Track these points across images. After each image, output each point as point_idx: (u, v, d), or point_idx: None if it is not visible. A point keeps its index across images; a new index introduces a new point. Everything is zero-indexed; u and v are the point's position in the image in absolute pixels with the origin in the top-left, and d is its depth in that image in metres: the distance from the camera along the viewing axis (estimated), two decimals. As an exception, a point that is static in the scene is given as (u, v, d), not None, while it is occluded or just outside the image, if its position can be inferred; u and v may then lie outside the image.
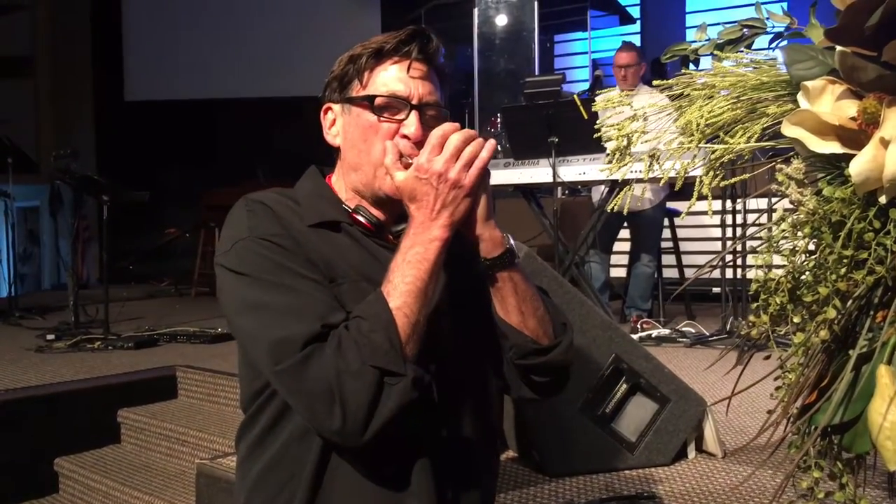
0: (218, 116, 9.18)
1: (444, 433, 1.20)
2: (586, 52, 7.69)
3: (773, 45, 1.11)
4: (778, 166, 0.74)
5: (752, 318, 0.78)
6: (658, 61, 7.31)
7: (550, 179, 4.02)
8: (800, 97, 0.77)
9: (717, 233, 5.96)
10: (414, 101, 1.19)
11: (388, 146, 1.17)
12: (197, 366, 3.60)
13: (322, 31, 9.31)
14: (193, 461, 2.97)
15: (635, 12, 8.30)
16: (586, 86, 6.95)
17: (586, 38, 7.51)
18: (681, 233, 5.22)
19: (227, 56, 9.41)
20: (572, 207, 5.58)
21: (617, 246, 5.21)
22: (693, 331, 4.30)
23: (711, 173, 0.79)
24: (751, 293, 0.77)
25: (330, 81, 1.27)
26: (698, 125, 0.80)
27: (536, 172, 4.14)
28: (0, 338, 4.77)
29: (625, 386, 2.11)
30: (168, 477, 2.95)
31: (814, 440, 0.79)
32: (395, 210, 1.23)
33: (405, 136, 1.18)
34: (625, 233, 5.02)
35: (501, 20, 6.86)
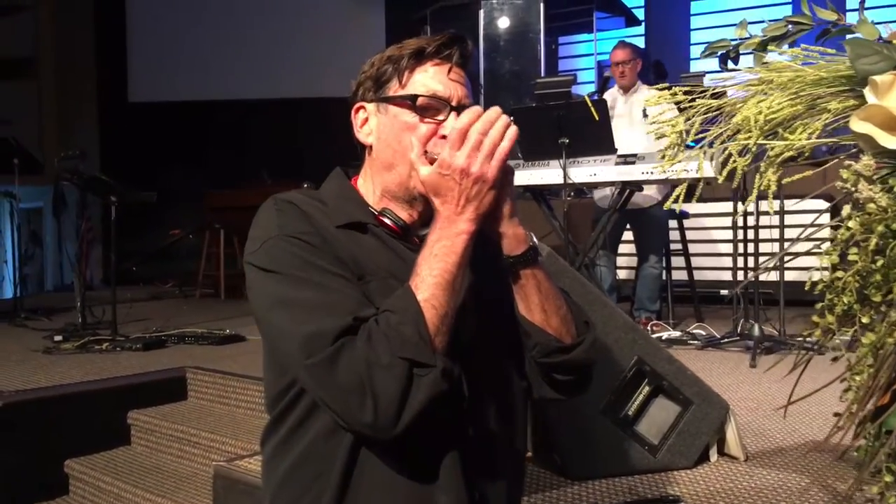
0: (221, 118, 9.16)
1: (471, 429, 1.20)
2: (591, 54, 7.69)
3: (820, 41, 1.10)
4: (846, 163, 0.72)
5: (815, 318, 0.76)
6: (660, 63, 7.30)
7: (560, 181, 4.00)
8: (867, 92, 0.75)
9: (723, 235, 5.98)
10: (453, 103, 1.20)
11: (413, 141, 1.17)
12: (207, 367, 3.59)
13: (326, 33, 9.31)
14: (206, 463, 2.96)
15: (640, 14, 8.29)
16: (591, 87, 6.95)
17: (591, 41, 7.51)
18: (689, 235, 5.20)
19: (230, 57, 9.41)
20: (577, 209, 5.57)
21: (623, 248, 5.20)
22: (703, 333, 4.29)
23: (771, 170, 0.77)
24: (816, 292, 0.75)
25: (363, 81, 1.27)
26: (756, 121, 0.78)
27: (547, 174, 4.13)
28: (7, 339, 4.75)
29: (647, 388, 2.10)
30: (180, 479, 2.93)
31: (890, 443, 0.77)
32: (423, 212, 1.24)
33: (444, 137, 1.18)
34: (629, 234, 5.01)
35: (507, 22, 6.86)
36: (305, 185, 7.22)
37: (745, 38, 1.20)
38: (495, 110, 1.10)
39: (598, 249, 4.24)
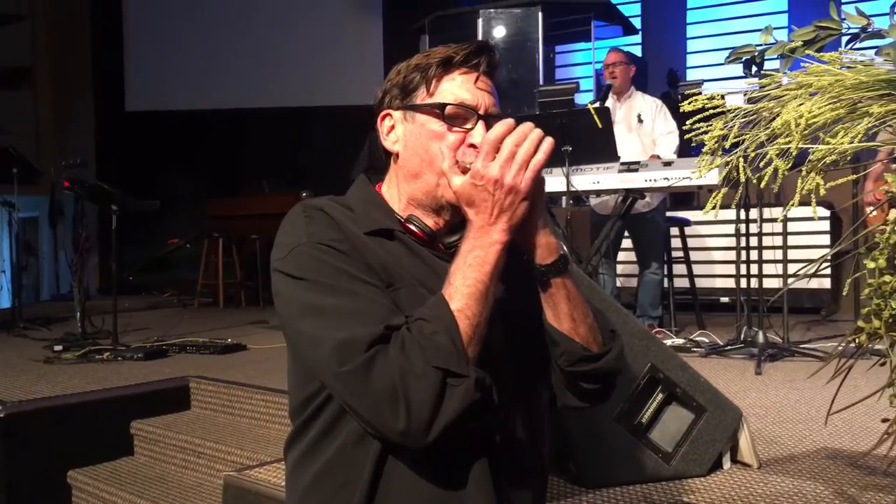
0: (218, 127, 9.16)
1: (499, 437, 1.19)
2: (588, 63, 7.71)
3: (849, 45, 1.10)
4: (893, 167, 0.72)
5: (861, 322, 0.75)
6: (673, 71, 7.32)
7: (563, 188, 4.00)
8: (913, 95, 0.75)
9: (722, 242, 5.99)
10: (481, 111, 1.20)
11: (444, 151, 1.17)
12: (210, 376, 3.57)
13: (324, 43, 9.33)
14: (211, 473, 2.94)
15: (637, 23, 8.33)
16: (590, 96, 6.97)
17: (589, 49, 7.53)
18: (693, 242, 5.21)
19: (228, 66, 9.41)
20: (576, 216, 5.58)
21: (623, 256, 5.21)
22: (707, 340, 4.29)
23: (813, 175, 0.77)
24: (862, 296, 0.75)
25: (389, 89, 1.26)
26: (797, 124, 0.77)
27: (549, 181, 4.12)
28: (6, 348, 4.72)
29: (661, 395, 2.09)
30: (185, 489, 2.91)
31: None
32: (450, 220, 1.24)
33: (472, 146, 1.18)
34: (627, 242, 5.02)
35: (505, 30, 6.88)
36: (304, 194, 7.21)
37: (771, 44, 1.19)
38: (528, 124, 1.10)
39: (602, 257, 4.24)
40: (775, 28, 1.25)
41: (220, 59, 9.44)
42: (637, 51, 8.56)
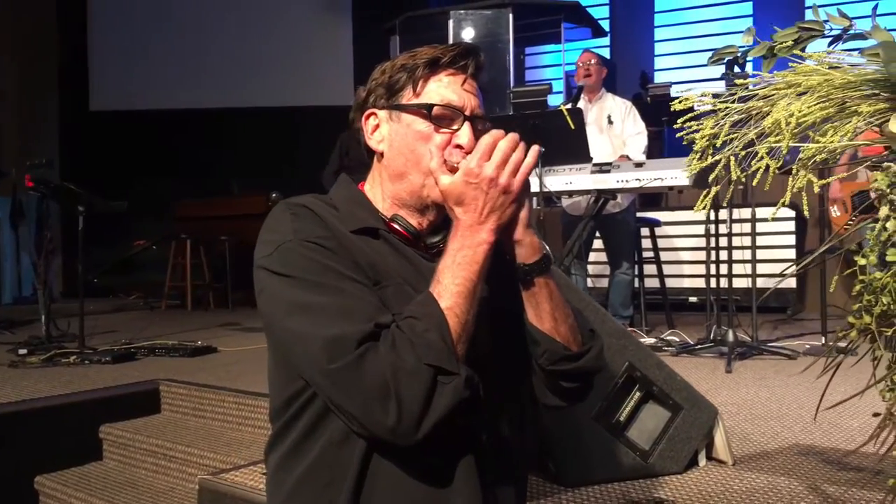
0: (186, 127, 9.05)
1: (484, 435, 1.19)
2: (558, 65, 7.76)
3: (831, 47, 1.11)
4: (885, 164, 0.73)
5: (851, 319, 0.76)
6: (644, 73, 7.40)
7: (536, 189, 4.01)
8: (903, 94, 0.76)
9: (690, 243, 6.07)
10: (467, 113, 1.21)
11: (433, 150, 1.18)
12: (180, 379, 3.52)
13: (293, 44, 9.27)
14: (182, 477, 2.91)
15: (606, 26, 8.40)
16: (560, 98, 7.01)
17: (558, 51, 7.57)
18: (662, 243, 5.27)
19: (196, 67, 9.31)
20: (549, 217, 5.60)
21: (594, 256, 5.24)
22: (677, 339, 4.33)
23: (802, 173, 0.78)
24: (853, 294, 0.76)
25: (374, 88, 1.26)
26: (788, 123, 0.78)
27: (522, 182, 4.13)
28: (-31, 353, 4.60)
29: (638, 394, 2.10)
30: (156, 494, 2.87)
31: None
32: (434, 220, 1.25)
33: (458, 146, 1.19)
34: (598, 243, 5.06)
35: (475, 32, 6.88)
36: (274, 195, 7.16)
37: (752, 45, 1.20)
38: (515, 135, 1.13)
39: (574, 258, 4.26)
40: (739, 32, 1.27)
41: (188, 60, 9.34)
42: (606, 53, 8.62)
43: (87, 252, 4.49)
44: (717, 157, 0.91)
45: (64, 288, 8.31)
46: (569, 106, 4.15)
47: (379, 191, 1.27)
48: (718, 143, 0.90)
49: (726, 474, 2.12)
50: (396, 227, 1.22)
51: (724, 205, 4.01)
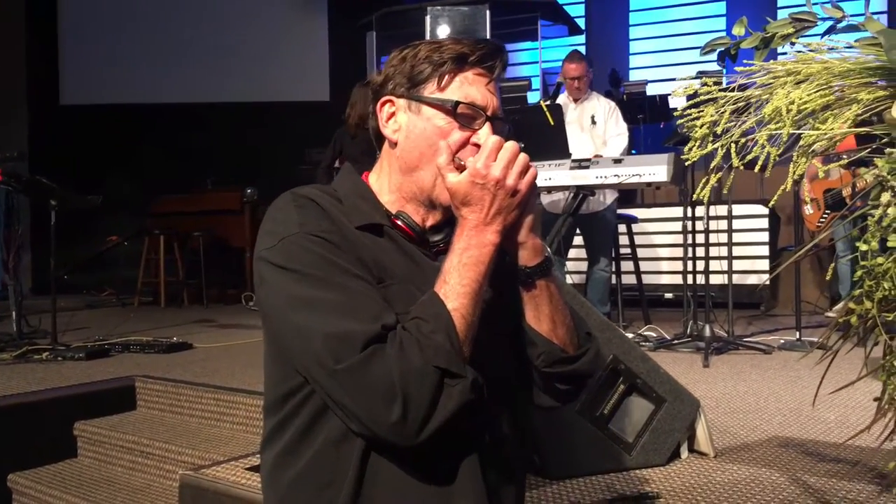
0: (159, 121, 8.94)
1: (486, 435, 1.18)
2: (535, 62, 7.77)
3: (824, 36, 1.12)
4: (887, 151, 0.73)
5: (852, 304, 0.77)
6: (615, 72, 7.43)
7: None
8: (904, 81, 0.77)
9: (667, 239, 6.12)
10: (489, 113, 1.19)
11: (442, 146, 1.15)
12: (156, 376, 3.48)
13: (268, 38, 9.19)
14: (160, 474, 2.87)
15: (582, 23, 8.44)
16: (536, 95, 7.03)
17: (535, 49, 7.59)
18: (637, 240, 5.30)
19: (170, 61, 9.20)
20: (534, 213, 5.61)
21: (571, 252, 5.26)
22: (654, 335, 4.37)
23: (803, 159, 0.78)
24: (854, 279, 0.76)
25: (393, 75, 1.23)
26: (788, 111, 0.79)
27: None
28: (-64, 350, 4.50)
29: (622, 387, 2.11)
30: (132, 491, 2.83)
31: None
32: (439, 217, 1.23)
33: (476, 145, 1.16)
34: (578, 239, 5.08)
35: (452, 28, 6.86)
36: (249, 191, 7.11)
37: (744, 36, 1.21)
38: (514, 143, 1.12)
39: (553, 254, 4.27)
40: (713, 31, 1.28)
41: (161, 54, 9.22)
42: (581, 50, 8.66)
43: (58, 248, 4.41)
44: (716, 145, 0.91)
45: (33, 284, 8.16)
46: (548, 102, 4.16)
47: (386, 181, 1.24)
48: (719, 129, 0.90)
49: (708, 466, 2.14)
50: (400, 223, 1.20)
51: (701, 201, 4.05)
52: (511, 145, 1.10)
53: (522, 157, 1.10)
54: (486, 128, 1.18)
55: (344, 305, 1.06)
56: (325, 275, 1.08)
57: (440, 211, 1.21)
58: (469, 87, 1.19)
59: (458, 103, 1.17)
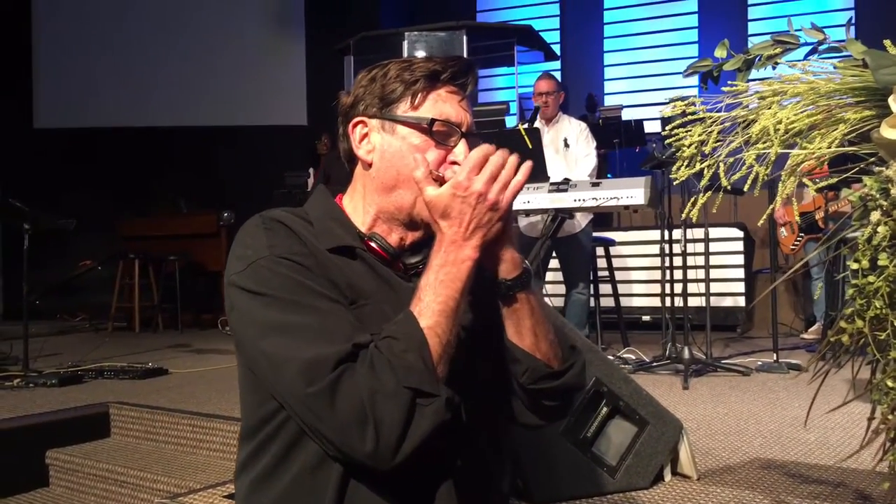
0: (132, 145, 8.88)
1: (464, 455, 1.16)
2: (511, 87, 7.84)
3: (806, 58, 1.14)
4: (877, 170, 0.74)
5: (843, 323, 0.77)
6: (592, 95, 7.52)
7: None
8: (891, 101, 0.77)
9: (648, 262, 6.15)
10: (464, 129, 1.19)
11: (419, 159, 1.13)
12: (131, 402, 3.41)
13: (245, 62, 9.19)
14: (134, 503, 2.80)
15: (557, 49, 8.54)
16: (513, 120, 7.07)
17: (511, 74, 7.66)
18: (615, 262, 5.33)
19: (144, 84, 9.16)
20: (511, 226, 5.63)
21: (551, 276, 5.28)
22: (633, 357, 4.38)
23: (792, 178, 0.79)
24: (847, 297, 0.76)
25: (363, 96, 1.22)
26: (776, 130, 0.79)
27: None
28: None
29: (605, 409, 2.11)
30: (106, 521, 2.77)
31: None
32: (418, 237, 1.21)
33: (454, 163, 1.16)
34: (555, 262, 5.10)
35: (429, 53, 6.91)
36: (226, 214, 7.05)
37: (726, 59, 1.22)
38: (505, 150, 1.09)
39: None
40: (685, 58, 1.29)
41: (136, 77, 9.18)
42: (557, 76, 8.77)
43: (29, 272, 4.33)
44: (703, 165, 0.92)
45: (5, 309, 8.02)
46: (526, 126, 4.18)
47: (361, 203, 1.23)
48: (707, 149, 0.90)
49: (692, 489, 2.13)
50: (374, 245, 1.19)
51: (678, 224, 4.09)
52: (496, 158, 1.07)
53: (506, 171, 1.07)
54: (463, 144, 1.17)
55: (315, 328, 1.04)
56: (296, 298, 1.07)
57: (420, 230, 1.20)
58: (443, 105, 1.18)
59: (433, 121, 1.16)
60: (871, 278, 0.75)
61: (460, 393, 1.09)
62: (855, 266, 0.76)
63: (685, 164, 0.94)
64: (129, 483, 2.84)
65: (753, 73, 1.19)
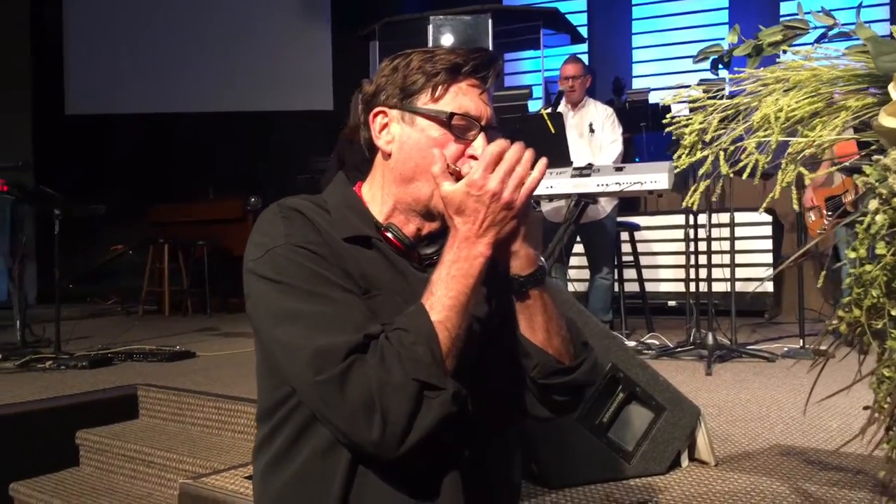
0: (163, 131, 8.98)
1: (472, 448, 1.18)
2: (537, 71, 7.79)
3: (815, 44, 1.12)
4: (875, 158, 0.73)
5: (840, 312, 0.77)
6: (619, 79, 7.44)
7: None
8: (892, 88, 0.77)
9: (674, 247, 6.11)
10: (483, 123, 1.18)
11: (437, 154, 1.14)
12: (159, 384, 3.48)
13: (272, 48, 9.24)
14: (162, 483, 2.87)
15: (584, 32, 8.46)
16: (538, 104, 7.04)
17: (537, 57, 7.61)
18: (640, 247, 5.30)
19: (173, 71, 9.25)
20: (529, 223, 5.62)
21: (573, 261, 5.26)
22: (657, 342, 4.36)
23: (791, 166, 0.78)
24: (844, 286, 0.76)
25: (385, 86, 1.22)
26: (777, 118, 0.79)
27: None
28: (-60, 359, 4.51)
29: (621, 395, 2.11)
30: (134, 500, 2.83)
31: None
32: (435, 227, 1.22)
33: (472, 157, 1.16)
34: (580, 247, 5.08)
35: (455, 37, 6.88)
36: (253, 199, 7.12)
37: (737, 44, 1.21)
38: (522, 144, 1.09)
39: (555, 262, 4.27)
40: (716, 39, 1.28)
41: (165, 64, 9.27)
42: (584, 59, 8.69)
43: (62, 257, 4.42)
44: (705, 153, 0.91)
45: (39, 293, 8.18)
46: (549, 110, 4.16)
47: (379, 192, 1.24)
48: (708, 137, 0.90)
49: (709, 475, 2.13)
50: (389, 236, 1.20)
51: (703, 209, 4.05)
52: (511, 155, 1.07)
53: (521, 167, 1.07)
54: (481, 139, 1.17)
55: (328, 317, 1.06)
56: (310, 287, 1.08)
57: (438, 220, 1.20)
58: (463, 98, 1.18)
59: (452, 114, 1.16)
60: (868, 267, 0.75)
61: (470, 386, 1.10)
62: (853, 255, 0.76)
63: (687, 151, 0.94)
64: (156, 463, 2.90)
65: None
